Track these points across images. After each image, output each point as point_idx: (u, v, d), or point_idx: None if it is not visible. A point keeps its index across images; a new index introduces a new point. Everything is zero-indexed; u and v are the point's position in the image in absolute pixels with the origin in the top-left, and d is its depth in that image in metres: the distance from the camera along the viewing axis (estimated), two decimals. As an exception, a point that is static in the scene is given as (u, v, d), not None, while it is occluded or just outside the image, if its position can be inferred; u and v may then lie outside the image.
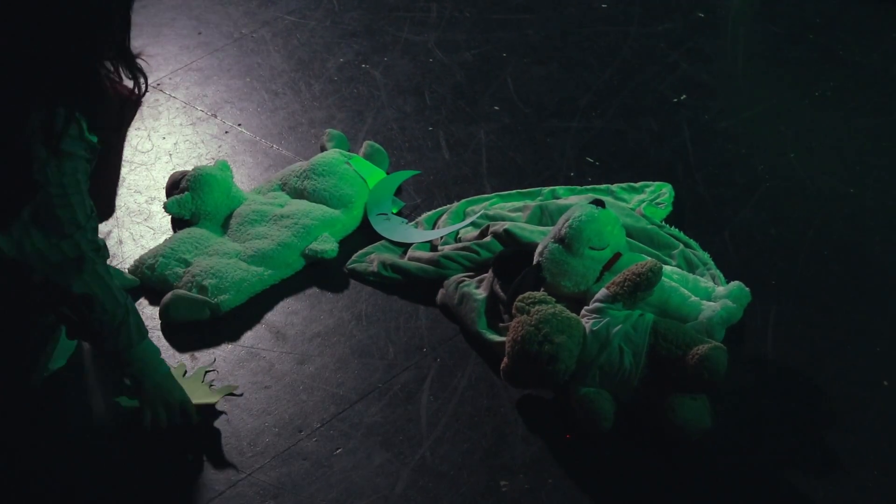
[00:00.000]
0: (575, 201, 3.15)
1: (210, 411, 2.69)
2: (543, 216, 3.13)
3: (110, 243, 3.19)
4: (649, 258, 2.82)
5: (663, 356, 2.59)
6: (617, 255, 2.83)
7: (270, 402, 2.74)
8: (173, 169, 3.46)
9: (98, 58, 2.38)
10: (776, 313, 2.88)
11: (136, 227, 3.27)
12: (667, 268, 2.85)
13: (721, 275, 2.94)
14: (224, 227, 3.21)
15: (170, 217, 3.29)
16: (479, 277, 2.98)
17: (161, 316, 2.94)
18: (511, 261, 2.92)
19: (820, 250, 3.05)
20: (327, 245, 3.08)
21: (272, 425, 2.68)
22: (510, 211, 3.20)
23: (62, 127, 2.33)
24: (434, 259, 3.04)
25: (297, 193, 3.27)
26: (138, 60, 2.48)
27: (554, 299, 2.72)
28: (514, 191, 3.30)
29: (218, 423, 2.69)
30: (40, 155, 2.35)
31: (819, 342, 2.80)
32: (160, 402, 2.59)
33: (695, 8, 4.07)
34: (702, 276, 2.93)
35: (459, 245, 3.08)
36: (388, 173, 3.38)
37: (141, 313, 2.96)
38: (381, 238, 3.17)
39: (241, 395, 2.74)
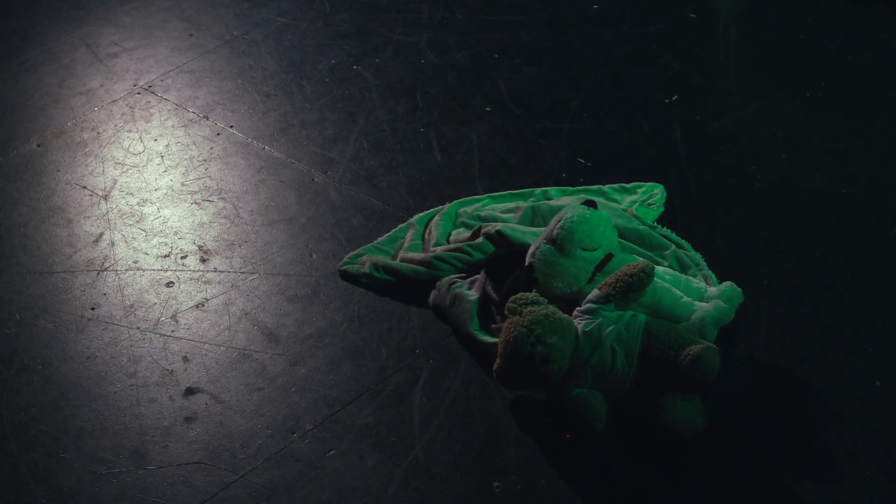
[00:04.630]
0: (567, 202, 3.15)
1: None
2: (535, 217, 3.13)
3: (102, 246, 3.19)
4: (641, 259, 2.82)
5: (656, 357, 2.59)
6: (609, 256, 2.83)
7: (263, 404, 2.74)
8: (165, 171, 3.46)
9: None
10: (768, 314, 2.88)
11: (129, 230, 3.26)
12: (659, 268, 2.85)
13: (713, 275, 2.94)
14: None
15: (161, 219, 3.29)
16: (471, 279, 2.98)
17: None
18: (503, 262, 2.92)
19: (812, 250, 3.06)
20: None
21: (265, 427, 2.68)
22: (502, 212, 3.20)
23: None
24: (426, 260, 3.04)
25: None
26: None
27: (546, 300, 2.72)
28: (506, 192, 3.30)
29: (211, 426, 2.69)
30: None
31: (811, 342, 2.80)
32: None
33: (686, 9, 4.07)
34: (694, 276, 2.93)
35: (451, 246, 3.08)
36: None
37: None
38: (373, 240, 3.17)
39: None
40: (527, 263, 2.86)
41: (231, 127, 3.65)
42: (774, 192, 3.27)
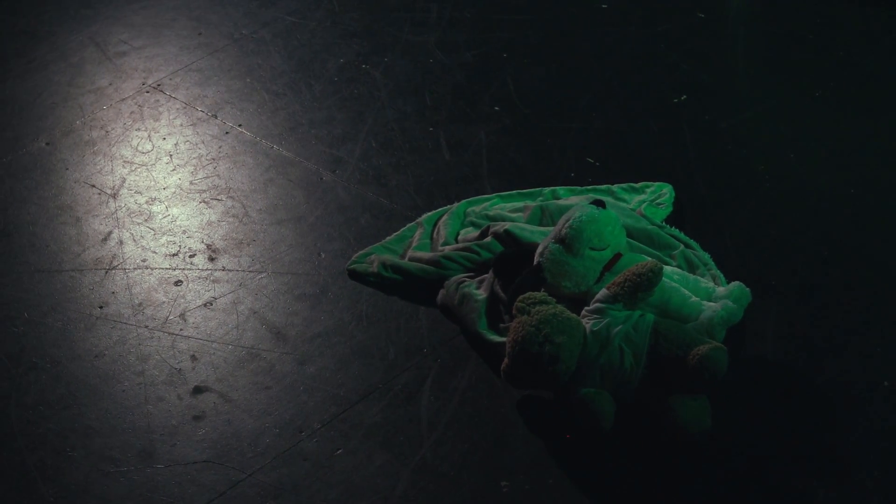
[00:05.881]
0: (575, 202, 3.15)
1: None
2: (544, 216, 3.13)
3: (110, 244, 3.20)
4: (650, 259, 2.81)
5: (664, 356, 2.59)
6: (617, 256, 2.83)
7: (271, 403, 2.74)
8: (174, 169, 3.47)
9: None
10: (776, 313, 2.87)
11: (137, 228, 3.27)
12: (667, 268, 2.84)
13: (721, 275, 2.94)
14: None
15: (170, 217, 3.29)
16: (479, 278, 2.98)
17: None
18: (511, 261, 2.92)
19: (820, 251, 3.05)
20: None
21: (273, 426, 2.68)
22: (511, 211, 3.20)
23: None
24: (434, 259, 3.04)
25: None
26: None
27: (554, 300, 2.71)
28: (514, 191, 3.30)
29: (219, 424, 2.69)
30: None
31: (819, 342, 2.80)
32: None
33: (694, 8, 4.07)
34: (702, 276, 2.93)
35: (460, 245, 3.08)
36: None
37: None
38: (381, 239, 3.18)
39: None
40: (535, 263, 2.85)
41: (240, 126, 3.65)
42: (783, 192, 3.26)
